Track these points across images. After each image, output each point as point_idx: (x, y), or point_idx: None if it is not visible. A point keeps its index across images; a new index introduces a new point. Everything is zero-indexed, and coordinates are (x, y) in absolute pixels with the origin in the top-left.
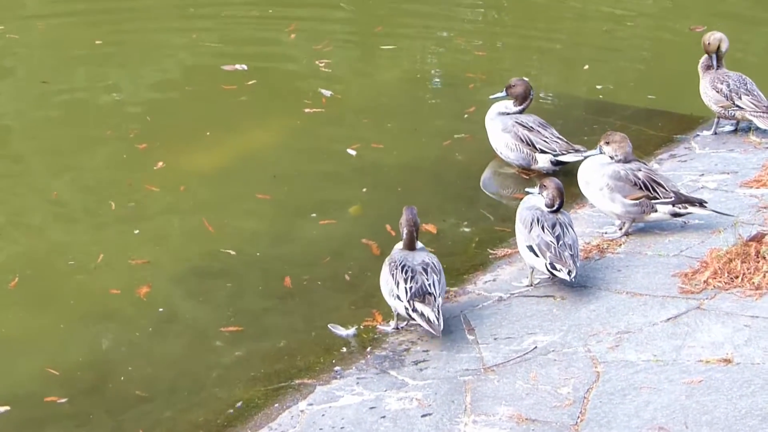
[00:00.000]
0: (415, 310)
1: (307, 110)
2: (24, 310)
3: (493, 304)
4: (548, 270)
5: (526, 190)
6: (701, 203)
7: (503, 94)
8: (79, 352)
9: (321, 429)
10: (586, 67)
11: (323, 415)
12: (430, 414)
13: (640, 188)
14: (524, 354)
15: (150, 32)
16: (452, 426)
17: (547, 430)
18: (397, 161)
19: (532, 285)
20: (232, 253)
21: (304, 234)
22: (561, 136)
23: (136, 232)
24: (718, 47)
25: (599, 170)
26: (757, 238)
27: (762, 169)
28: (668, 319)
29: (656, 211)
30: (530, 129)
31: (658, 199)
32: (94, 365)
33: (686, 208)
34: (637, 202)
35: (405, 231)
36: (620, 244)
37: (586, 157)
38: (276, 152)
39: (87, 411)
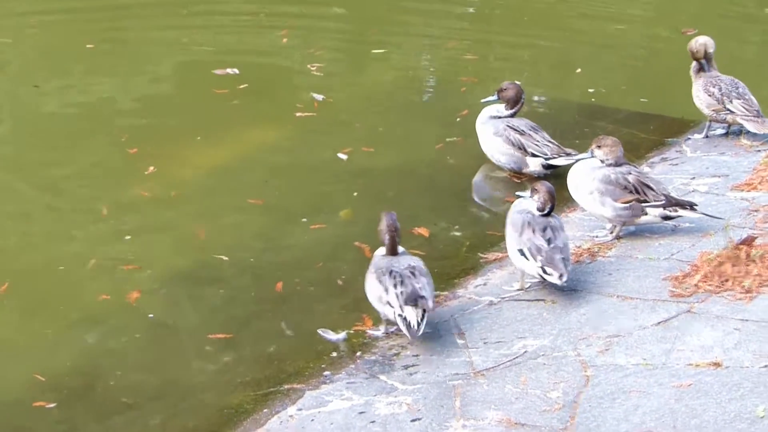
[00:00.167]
0: (401, 314)
1: (298, 114)
2: (13, 315)
3: (483, 308)
4: (539, 274)
5: (518, 193)
6: (692, 206)
7: (495, 97)
8: (68, 358)
9: None
10: (579, 70)
11: (312, 420)
12: (419, 419)
13: (631, 192)
14: (514, 358)
15: (141, 36)
16: (442, 430)
17: None
18: (389, 165)
19: (522, 289)
20: (223, 258)
21: (295, 238)
22: (552, 140)
23: (128, 237)
24: (705, 52)
25: (590, 174)
26: (748, 242)
27: (753, 173)
28: (658, 323)
29: (647, 214)
30: (522, 132)
31: (648, 202)
32: (83, 371)
33: (677, 211)
34: (628, 205)
35: (386, 237)
36: (611, 248)
37: (577, 161)
38: (267, 156)
39: (76, 416)
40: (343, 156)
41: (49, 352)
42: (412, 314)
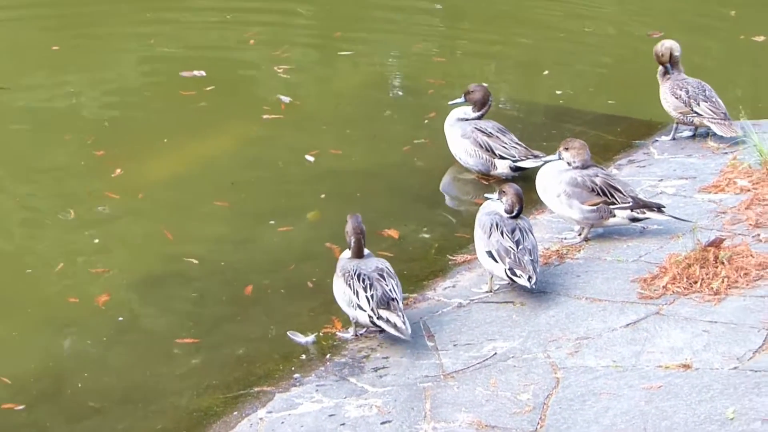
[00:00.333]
0: (380, 317)
1: (265, 116)
2: None
3: (452, 310)
4: (508, 276)
5: (486, 195)
6: (659, 208)
7: (462, 100)
8: (37, 361)
9: None
10: (546, 72)
11: (282, 422)
12: (389, 421)
13: (598, 194)
14: (484, 360)
15: (107, 38)
16: None
17: None
18: (356, 167)
19: (491, 291)
20: (192, 261)
21: (263, 241)
22: (520, 142)
23: (96, 240)
24: (671, 55)
25: (556, 177)
26: (716, 244)
27: (720, 175)
28: (627, 325)
29: (615, 216)
30: (489, 135)
31: (615, 204)
32: (52, 374)
33: (644, 213)
34: (595, 208)
35: (352, 239)
36: (579, 250)
37: (545, 163)
38: (234, 159)
39: (45, 419)
40: (310, 158)
41: (16, 355)
42: (394, 315)
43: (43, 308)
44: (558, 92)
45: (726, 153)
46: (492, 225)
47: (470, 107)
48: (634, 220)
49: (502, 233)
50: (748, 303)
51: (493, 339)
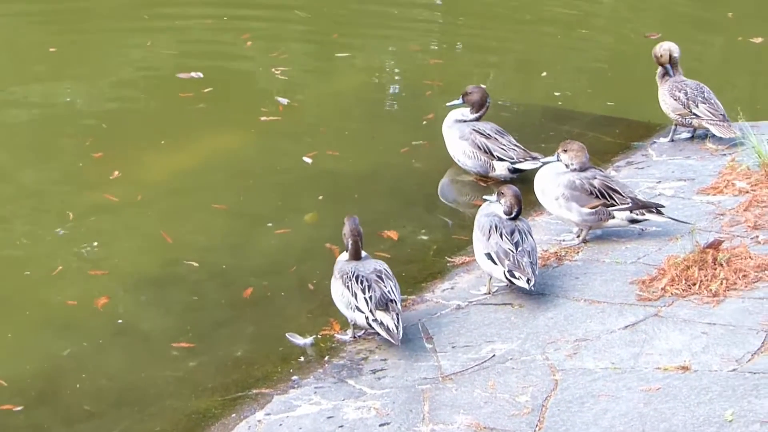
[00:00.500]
0: (375, 319)
1: (263, 118)
2: None
3: (451, 312)
4: (507, 278)
5: (484, 197)
6: (658, 208)
7: (460, 101)
8: (34, 363)
9: None
10: (544, 74)
11: (281, 424)
12: (388, 423)
13: (596, 197)
14: (482, 362)
15: (104, 40)
16: None
17: None
18: (354, 169)
19: (490, 293)
20: (191, 263)
21: (262, 243)
22: (518, 144)
23: (95, 243)
24: (670, 56)
25: (554, 180)
26: (714, 245)
27: (718, 176)
28: (626, 327)
29: (614, 217)
30: (487, 136)
31: (615, 206)
32: (49, 376)
33: (643, 214)
34: (594, 210)
35: (350, 242)
36: (578, 252)
37: (543, 164)
38: (232, 161)
39: (43, 420)
40: (308, 160)
41: (15, 356)
42: (387, 318)
43: (41, 310)
44: (556, 94)
45: (724, 155)
46: (491, 227)
47: (468, 109)
48: (633, 221)
49: (501, 235)
50: (747, 305)
51: (492, 341)
